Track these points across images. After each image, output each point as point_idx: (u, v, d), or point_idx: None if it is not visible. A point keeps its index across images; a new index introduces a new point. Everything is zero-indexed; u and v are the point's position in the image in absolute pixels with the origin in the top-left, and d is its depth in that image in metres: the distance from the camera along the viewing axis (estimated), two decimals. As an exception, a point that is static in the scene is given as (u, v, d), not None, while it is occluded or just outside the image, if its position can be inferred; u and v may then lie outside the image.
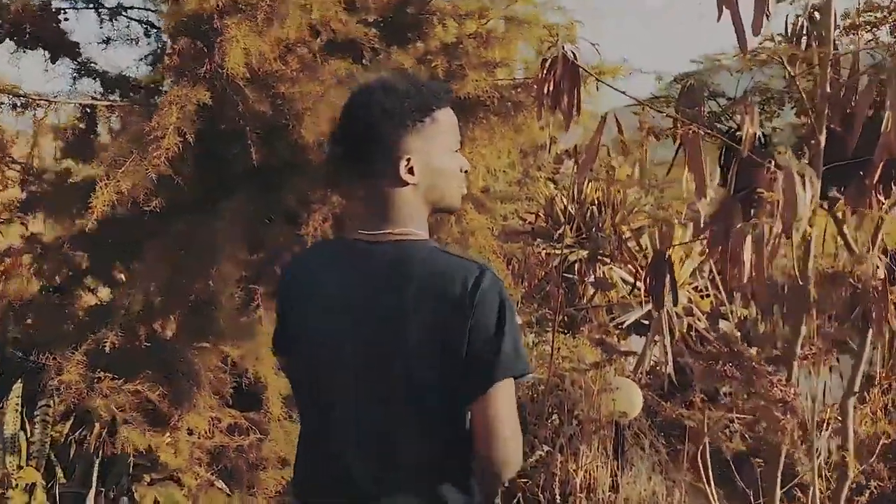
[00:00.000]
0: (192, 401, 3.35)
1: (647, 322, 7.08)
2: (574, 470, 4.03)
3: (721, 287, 6.64)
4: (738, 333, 6.86)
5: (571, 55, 2.46)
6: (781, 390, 2.51)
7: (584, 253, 6.68)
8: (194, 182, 3.19)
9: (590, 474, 3.94)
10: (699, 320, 6.79)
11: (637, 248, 6.52)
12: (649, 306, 6.75)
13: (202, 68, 2.88)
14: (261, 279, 3.52)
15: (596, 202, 6.62)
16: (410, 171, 1.37)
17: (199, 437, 3.57)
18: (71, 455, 3.23)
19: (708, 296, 7.05)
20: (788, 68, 2.51)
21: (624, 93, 2.49)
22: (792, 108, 2.82)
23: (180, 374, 3.31)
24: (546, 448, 4.24)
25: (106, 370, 3.06)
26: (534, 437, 4.58)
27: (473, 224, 3.27)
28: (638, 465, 4.39)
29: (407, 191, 1.38)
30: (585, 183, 6.50)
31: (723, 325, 6.89)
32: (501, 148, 3.54)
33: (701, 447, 3.55)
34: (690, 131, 2.34)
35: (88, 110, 3.54)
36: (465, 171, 1.50)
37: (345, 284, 1.39)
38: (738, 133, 2.71)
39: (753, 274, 2.25)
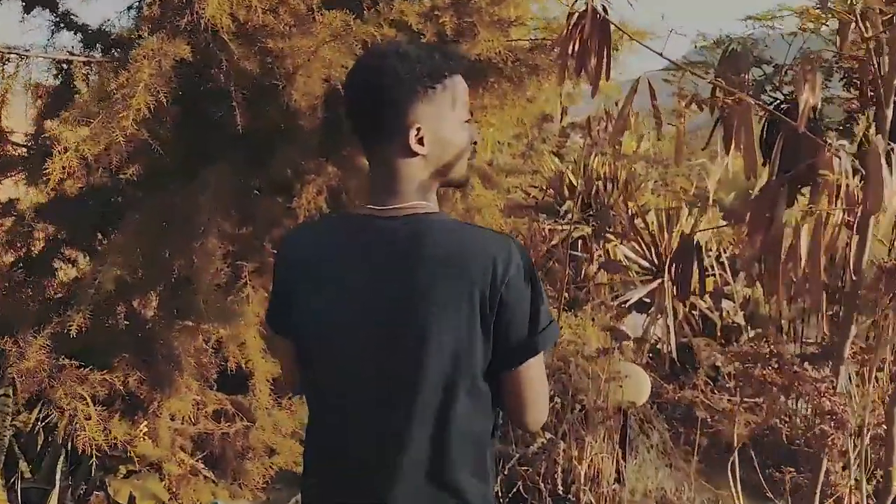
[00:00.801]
0: (173, 386, 2.98)
1: (647, 300, 6.74)
2: (578, 459, 3.69)
3: (727, 267, 6.29)
4: (742, 313, 6.51)
5: (601, 10, 2.05)
6: (831, 401, 2.15)
7: (589, 229, 6.29)
8: (174, 148, 2.78)
9: (594, 465, 3.59)
10: (702, 299, 6.41)
11: (643, 225, 6.12)
12: (652, 285, 6.40)
13: (182, 19, 2.46)
14: (248, 255, 3.13)
15: (602, 177, 6.21)
16: (420, 140, 1.27)
17: (182, 423, 3.21)
18: (39, 446, 2.86)
19: (712, 275, 6.67)
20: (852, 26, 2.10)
21: (661, 54, 2.08)
22: (841, 79, 2.42)
23: (160, 356, 2.93)
24: (548, 435, 3.90)
25: (76, 355, 2.68)
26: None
27: (480, 200, 2.87)
28: (643, 455, 4.05)
29: (416, 161, 1.29)
30: (592, 157, 6.10)
31: (725, 304, 6.52)
32: (512, 117, 3.13)
33: (732, 458, 3.20)
34: (737, 101, 1.94)
35: (65, 66, 3.11)
36: (474, 144, 1.42)
37: (356, 263, 1.28)
38: (783, 105, 2.31)
39: (805, 268, 1.87)
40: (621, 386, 3.69)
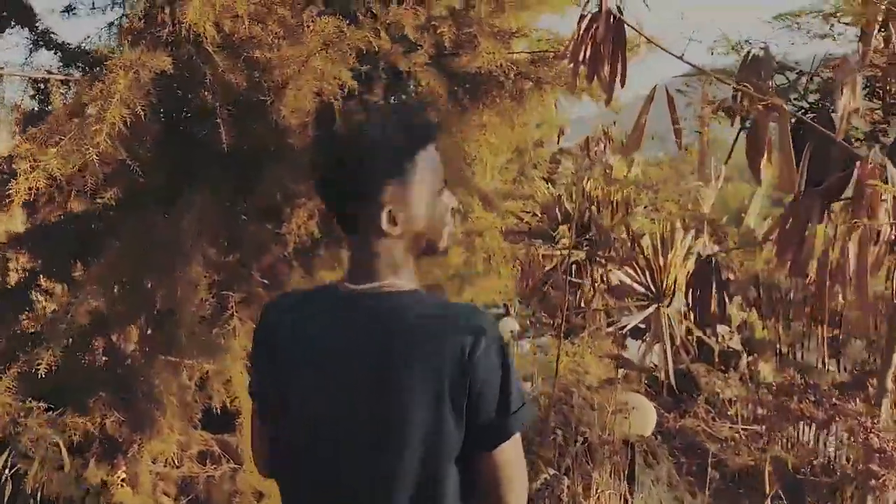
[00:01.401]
0: (155, 426, 2.69)
1: (642, 326, 6.50)
2: (584, 498, 3.42)
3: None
4: (738, 338, 6.29)
5: (616, 10, 1.83)
6: (879, 438, 1.90)
7: (583, 254, 6.07)
8: (156, 169, 2.53)
9: (601, 502, 3.32)
10: (696, 324, 6.18)
11: (637, 249, 5.91)
12: (649, 310, 6.17)
13: (164, 30, 2.23)
14: (235, 284, 2.87)
15: (596, 201, 6.00)
16: (393, 221, 1.24)
17: (164, 466, 2.91)
18: (6, 497, 2.55)
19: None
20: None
21: (681, 58, 1.86)
22: (865, 88, 2.21)
23: (140, 394, 2.65)
24: (552, 471, 3.63)
25: (49, 395, 2.39)
26: (537, 458, 3.96)
27: (480, 224, 2.64)
28: (648, 488, 3.79)
29: (390, 241, 1.26)
30: (585, 181, 5.90)
31: (720, 329, 6.28)
32: (512, 137, 2.91)
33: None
34: (767, 107, 1.72)
35: (42, 85, 2.86)
36: (453, 210, 1.36)
37: (332, 338, 1.24)
38: (807, 115, 2.10)
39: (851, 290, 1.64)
40: (627, 418, 3.44)
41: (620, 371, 4.00)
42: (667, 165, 9.37)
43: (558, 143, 3.87)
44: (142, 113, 2.06)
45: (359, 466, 1.21)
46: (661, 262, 6.12)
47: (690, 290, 2.28)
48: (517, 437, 1.22)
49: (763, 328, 6.05)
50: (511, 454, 1.22)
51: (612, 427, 3.41)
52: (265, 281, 2.90)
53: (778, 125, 1.75)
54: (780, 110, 1.73)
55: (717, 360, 5.82)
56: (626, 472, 3.52)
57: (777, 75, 2.05)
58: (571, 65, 1.87)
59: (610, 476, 3.32)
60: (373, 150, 1.22)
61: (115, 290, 2.56)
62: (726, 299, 2.41)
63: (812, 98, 2.07)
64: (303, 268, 2.96)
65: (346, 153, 1.24)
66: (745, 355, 5.80)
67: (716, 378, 5.64)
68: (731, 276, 6.65)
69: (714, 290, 2.11)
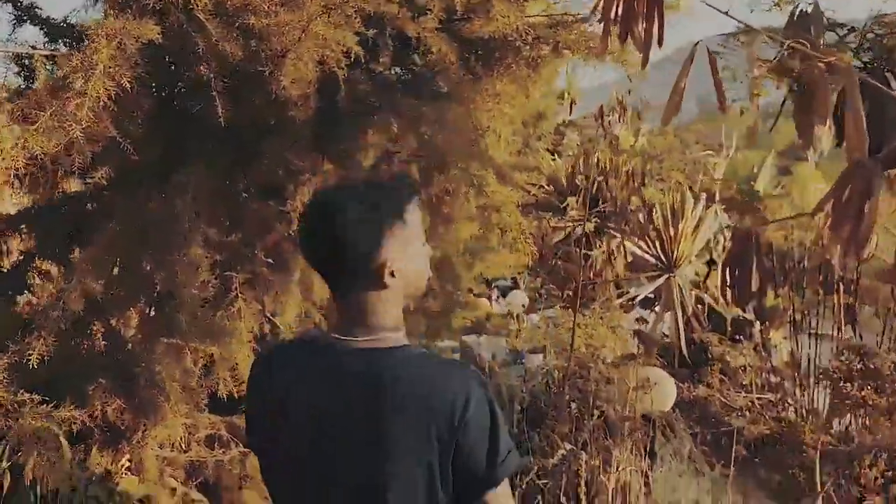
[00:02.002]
0: (159, 412, 2.51)
1: (651, 295, 6.29)
2: (605, 474, 3.24)
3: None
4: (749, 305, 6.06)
5: (649, -38, 1.59)
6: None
7: (592, 226, 5.84)
8: (149, 146, 2.31)
9: (622, 480, 3.14)
10: (707, 293, 5.96)
11: (651, 219, 5.66)
12: (659, 281, 5.95)
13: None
14: (238, 265, 2.66)
15: (604, 172, 5.75)
16: (391, 274, 1.25)
17: (171, 450, 2.74)
18: (4, 491, 2.38)
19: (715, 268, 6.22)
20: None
21: (727, 13, 1.62)
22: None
23: (142, 381, 2.46)
24: (569, 446, 3.45)
25: (44, 385, 2.21)
26: (551, 432, 3.78)
27: (497, 198, 2.42)
28: (668, 463, 3.61)
29: (386, 293, 1.27)
30: (593, 153, 5.65)
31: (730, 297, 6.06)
32: (527, 106, 2.67)
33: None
34: (828, 66, 1.49)
35: (27, 61, 2.63)
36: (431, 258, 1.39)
37: (320, 399, 1.23)
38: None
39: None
40: (647, 394, 3.25)
41: (639, 346, 3.79)
42: (671, 135, 9.11)
43: (570, 113, 3.62)
44: (128, 85, 1.83)
45: (339, 495, 1.21)
46: (672, 232, 5.89)
47: (728, 266, 2.06)
48: (505, 483, 1.24)
49: (776, 297, 5.83)
50: (501, 500, 1.23)
51: (634, 403, 3.22)
52: (269, 260, 2.70)
53: (846, 85, 1.52)
54: (845, 68, 1.51)
55: (729, 329, 5.61)
56: (647, 448, 3.34)
57: (827, 32, 1.82)
58: (601, 24, 1.64)
59: (630, 452, 3.14)
60: (371, 207, 1.24)
61: (112, 273, 2.35)
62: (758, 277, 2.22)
63: (866, 57, 1.83)
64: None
65: (346, 211, 1.23)
66: (758, 323, 5.58)
67: (727, 347, 5.45)
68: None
69: (755, 267, 1.88)
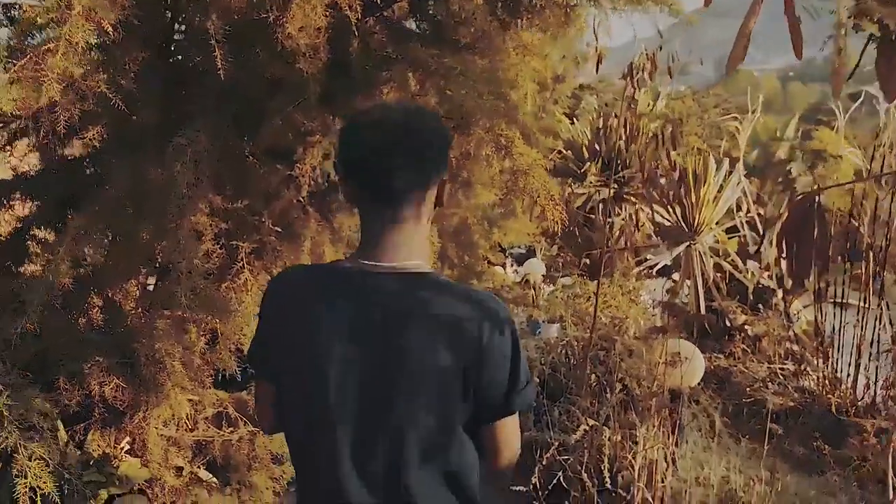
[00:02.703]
0: (162, 390, 2.29)
1: (668, 263, 6.01)
2: (627, 451, 3.01)
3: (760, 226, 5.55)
4: (766, 275, 5.78)
5: None
6: None
7: (611, 192, 5.54)
8: (143, 104, 2.04)
9: (648, 459, 2.91)
10: (727, 260, 5.67)
11: (670, 185, 5.36)
12: (680, 248, 5.67)
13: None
14: (245, 233, 2.41)
15: (625, 137, 5.44)
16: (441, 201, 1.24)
17: (176, 429, 2.52)
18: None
19: (735, 236, 5.92)
20: None
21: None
22: None
23: (143, 357, 2.23)
24: (591, 422, 3.23)
25: (34, 364, 1.98)
26: (572, 406, 3.55)
27: (523, 161, 2.14)
28: (693, 437, 3.37)
29: (425, 222, 1.22)
30: (621, 114, 5.32)
31: (751, 265, 5.77)
32: (545, 70, 2.38)
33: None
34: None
35: (12, 12, 2.36)
36: None
37: (346, 320, 1.16)
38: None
39: None
40: (679, 369, 3.00)
41: (669, 320, 3.54)
42: (689, 99, 8.72)
43: (597, 70, 3.33)
44: (111, 30, 1.55)
45: (374, 436, 1.16)
46: (693, 198, 5.60)
47: (784, 236, 1.79)
48: (517, 414, 1.24)
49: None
50: (510, 427, 1.24)
51: (663, 379, 2.97)
52: (278, 229, 2.44)
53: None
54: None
55: (751, 297, 5.34)
56: (675, 425, 3.10)
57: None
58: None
59: (658, 430, 2.90)
60: (437, 118, 1.23)
61: (109, 243, 2.11)
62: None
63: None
64: (319, 213, 2.49)
65: (425, 119, 1.20)
66: (781, 292, 5.30)
67: (747, 315, 5.18)
68: (762, 211, 6.11)
69: (816, 237, 1.62)
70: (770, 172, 6.38)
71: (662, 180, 4.92)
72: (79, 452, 2.20)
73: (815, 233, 1.68)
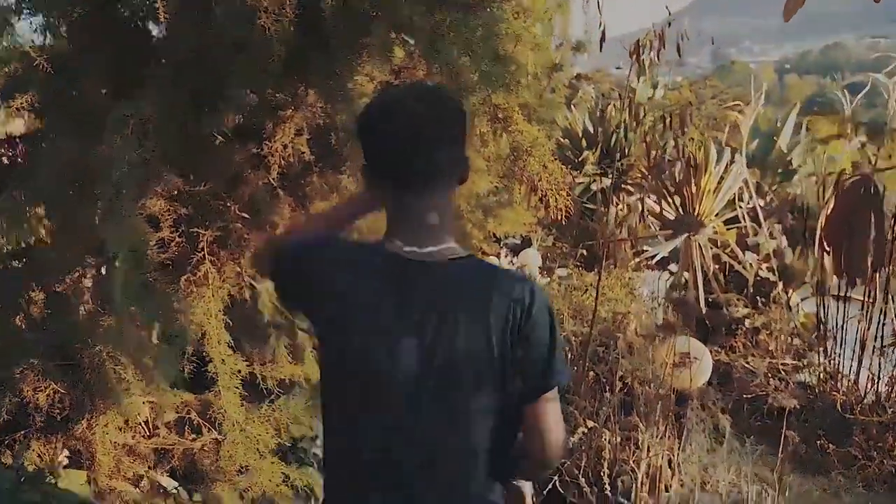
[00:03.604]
0: (108, 396, 1.94)
1: (664, 255, 5.66)
2: (633, 459, 2.68)
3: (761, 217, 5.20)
4: (765, 266, 5.43)
5: None
6: None
7: (608, 181, 5.19)
8: (82, 71, 1.68)
9: (654, 466, 2.58)
10: (726, 252, 5.32)
11: (670, 174, 5.00)
12: (679, 239, 5.33)
13: None
14: (207, 219, 2.06)
15: (627, 119, 5.07)
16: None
17: (133, 436, 2.18)
18: None
19: (733, 227, 5.55)
20: None
21: None
22: None
23: (86, 359, 1.88)
24: (591, 423, 2.89)
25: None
26: (567, 405, 3.20)
27: (524, 138, 1.79)
28: (701, 444, 3.04)
29: (451, 199, 1.21)
30: (626, 99, 4.96)
31: (748, 256, 5.41)
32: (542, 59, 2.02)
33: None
34: None
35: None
36: None
37: (392, 302, 1.14)
38: None
39: None
40: (687, 370, 2.67)
41: (677, 317, 3.19)
42: (686, 89, 8.36)
43: (601, 48, 2.99)
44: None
45: (417, 414, 1.14)
46: (693, 188, 5.25)
47: (830, 226, 1.44)
48: (555, 391, 1.20)
49: (799, 257, 5.19)
50: (552, 406, 1.20)
51: (672, 380, 2.64)
52: (244, 215, 2.09)
53: None
54: None
55: (751, 290, 5.00)
56: (681, 429, 2.77)
57: None
58: None
59: (664, 436, 2.57)
60: (452, 97, 1.23)
61: (42, 232, 1.75)
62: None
63: None
64: (292, 197, 2.14)
65: (444, 99, 1.19)
66: (782, 284, 4.96)
67: (746, 308, 4.85)
68: (762, 202, 5.75)
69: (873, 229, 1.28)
70: (770, 163, 6.03)
71: (675, 169, 4.54)
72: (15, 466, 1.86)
73: (872, 222, 1.33)
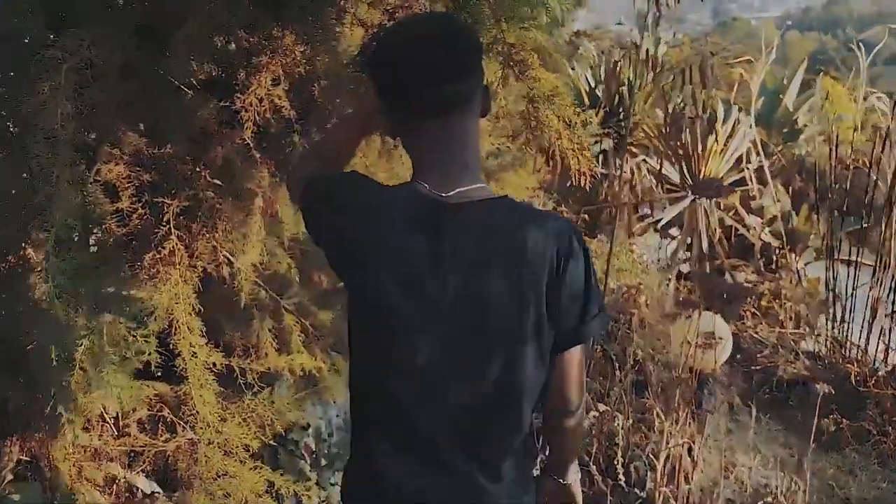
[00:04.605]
0: (62, 394, 1.63)
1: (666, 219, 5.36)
2: (648, 448, 2.41)
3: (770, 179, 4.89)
4: (768, 230, 5.15)
5: None
6: None
7: (611, 142, 4.86)
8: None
9: (672, 456, 2.32)
10: (731, 215, 5.02)
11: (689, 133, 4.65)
12: (684, 203, 5.02)
13: None
14: (173, 188, 1.73)
15: (626, 83, 4.71)
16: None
17: (100, 436, 1.88)
18: None
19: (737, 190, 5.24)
20: None
21: None
22: None
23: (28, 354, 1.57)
24: (602, 407, 2.62)
25: None
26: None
27: (542, 87, 1.46)
28: (717, 425, 2.78)
29: (480, 125, 1.12)
30: (612, 61, 4.60)
31: (752, 220, 5.12)
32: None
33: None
34: None
35: None
36: None
37: (424, 247, 1.05)
38: None
39: None
40: (711, 350, 2.38)
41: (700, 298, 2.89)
42: (688, 47, 7.99)
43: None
44: None
45: (447, 355, 1.06)
46: (700, 150, 4.92)
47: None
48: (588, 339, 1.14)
49: (806, 221, 4.90)
50: (579, 356, 1.14)
51: (694, 362, 2.35)
52: (217, 181, 1.75)
53: None
54: None
55: (758, 256, 4.72)
56: (696, 413, 2.50)
57: None
58: None
59: (685, 423, 2.30)
60: (476, 35, 1.15)
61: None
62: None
63: None
64: (272, 160, 1.80)
65: (457, 28, 1.12)
66: (788, 249, 4.68)
67: (753, 275, 4.58)
68: (769, 163, 5.42)
69: None
70: (776, 122, 5.70)
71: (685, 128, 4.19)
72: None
73: None
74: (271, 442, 2.12)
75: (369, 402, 1.13)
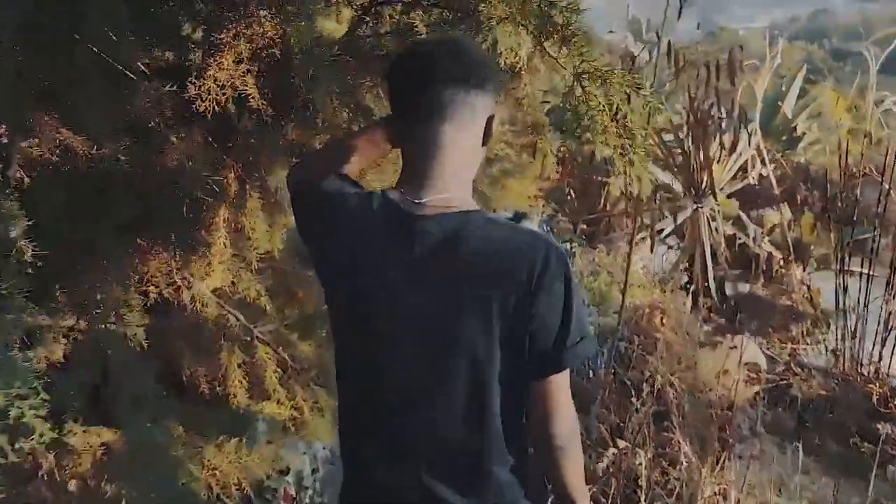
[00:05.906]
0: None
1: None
2: (656, 470, 2.06)
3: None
4: (767, 238, 4.85)
5: None
6: None
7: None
8: None
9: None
10: (727, 224, 4.70)
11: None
12: (686, 212, 4.71)
13: None
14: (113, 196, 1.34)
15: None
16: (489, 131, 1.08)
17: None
18: None
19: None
20: None
21: None
22: None
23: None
24: (622, 443, 2.27)
25: None
26: (585, 416, 2.54)
27: (594, 61, 1.12)
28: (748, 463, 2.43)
29: (479, 153, 1.08)
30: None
31: (753, 230, 4.81)
32: None
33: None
34: None
35: None
36: None
37: (394, 258, 1.02)
38: None
39: None
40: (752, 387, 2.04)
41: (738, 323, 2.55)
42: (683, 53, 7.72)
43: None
44: None
45: (409, 374, 1.03)
46: (701, 157, 4.61)
47: None
48: (567, 371, 1.04)
49: (812, 231, 4.60)
50: (560, 385, 1.03)
51: (734, 395, 2.01)
52: (176, 182, 1.37)
53: None
54: None
55: (759, 267, 4.41)
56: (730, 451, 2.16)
57: None
58: None
59: (722, 467, 1.96)
60: (491, 63, 1.14)
61: None
62: None
63: None
64: (238, 162, 1.42)
65: (471, 46, 1.10)
66: (792, 260, 4.37)
67: (758, 287, 4.26)
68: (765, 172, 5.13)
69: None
70: (774, 129, 5.41)
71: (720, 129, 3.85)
72: None
73: None
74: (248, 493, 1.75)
75: (357, 410, 1.10)
